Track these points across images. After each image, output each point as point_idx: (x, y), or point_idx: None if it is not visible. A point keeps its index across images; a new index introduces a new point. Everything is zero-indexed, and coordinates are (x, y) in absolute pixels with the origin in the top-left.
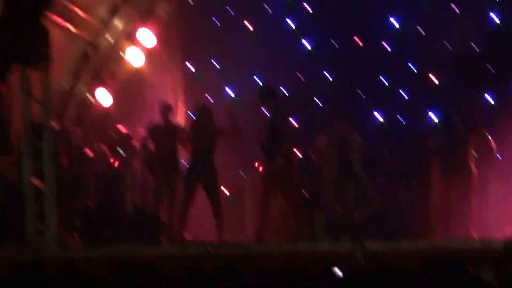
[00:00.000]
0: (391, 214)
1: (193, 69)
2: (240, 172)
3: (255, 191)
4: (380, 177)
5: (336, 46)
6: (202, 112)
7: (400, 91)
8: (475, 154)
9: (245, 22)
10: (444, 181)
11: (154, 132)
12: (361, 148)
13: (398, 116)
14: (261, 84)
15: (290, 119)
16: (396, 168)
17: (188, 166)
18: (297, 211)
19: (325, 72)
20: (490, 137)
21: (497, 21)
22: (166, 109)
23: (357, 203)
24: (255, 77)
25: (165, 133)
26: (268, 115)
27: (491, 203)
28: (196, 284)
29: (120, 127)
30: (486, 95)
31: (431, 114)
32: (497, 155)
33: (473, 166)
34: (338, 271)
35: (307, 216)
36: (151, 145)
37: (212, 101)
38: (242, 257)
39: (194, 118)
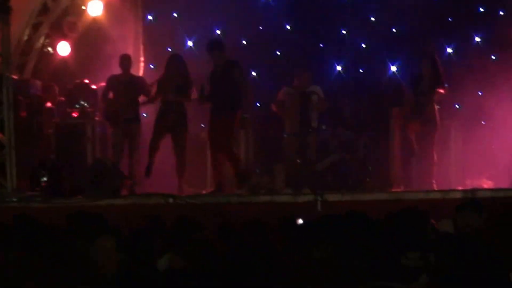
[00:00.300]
0: (351, 166)
1: (151, 19)
2: (202, 124)
3: None
4: (341, 128)
5: None
6: (173, 60)
7: (359, 41)
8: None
9: None
10: (407, 132)
11: (114, 83)
12: (322, 101)
13: (357, 66)
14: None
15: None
16: (356, 119)
17: (158, 113)
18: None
19: (283, 23)
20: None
21: None
22: (126, 61)
23: (317, 155)
24: (215, 28)
25: (125, 84)
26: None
27: (452, 154)
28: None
29: (80, 78)
30: (446, 46)
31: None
32: (456, 106)
33: (438, 117)
34: (299, 220)
35: (268, 168)
36: (110, 96)
37: (170, 51)
38: (201, 208)
39: (165, 67)
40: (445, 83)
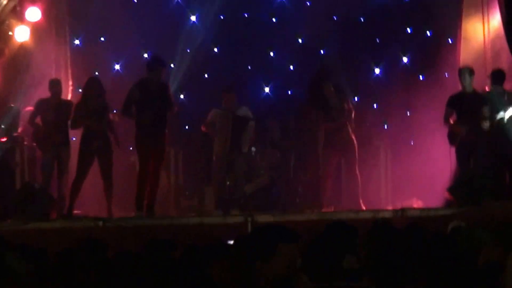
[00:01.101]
0: (281, 187)
1: (78, 43)
2: (131, 148)
3: None
4: (269, 150)
5: (222, 18)
6: (91, 84)
7: (287, 63)
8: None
9: None
10: (328, 154)
11: (42, 106)
12: (253, 123)
13: (285, 88)
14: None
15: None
16: (285, 140)
17: (81, 139)
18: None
19: (211, 46)
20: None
21: None
22: (56, 85)
23: (247, 177)
24: (142, 52)
25: (53, 107)
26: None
27: (382, 174)
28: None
29: (7, 103)
30: (374, 67)
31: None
32: (385, 125)
33: (353, 137)
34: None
35: (198, 190)
36: (38, 120)
37: (97, 75)
38: (131, 230)
39: (83, 90)
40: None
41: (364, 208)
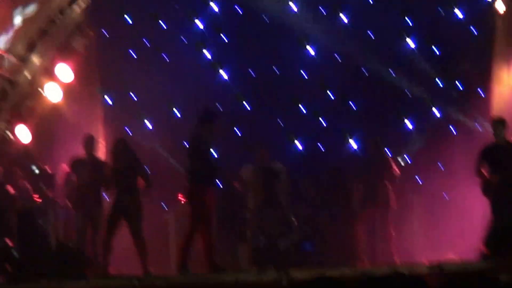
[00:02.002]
0: (315, 242)
1: (111, 102)
2: (163, 204)
3: (178, 223)
4: (303, 206)
5: (253, 75)
6: (118, 145)
7: (319, 118)
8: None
9: (162, 54)
10: (365, 209)
11: (77, 165)
12: (286, 178)
13: (317, 143)
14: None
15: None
16: (318, 197)
17: (114, 200)
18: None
19: (243, 102)
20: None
21: (412, 46)
22: (89, 142)
23: (281, 233)
24: (174, 108)
25: (87, 166)
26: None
27: (416, 229)
28: None
29: (41, 162)
30: (405, 120)
31: (351, 141)
32: (418, 180)
33: (391, 194)
34: None
35: (232, 248)
36: (73, 179)
37: (131, 134)
38: None
39: (111, 152)
40: (392, 165)
41: (397, 262)
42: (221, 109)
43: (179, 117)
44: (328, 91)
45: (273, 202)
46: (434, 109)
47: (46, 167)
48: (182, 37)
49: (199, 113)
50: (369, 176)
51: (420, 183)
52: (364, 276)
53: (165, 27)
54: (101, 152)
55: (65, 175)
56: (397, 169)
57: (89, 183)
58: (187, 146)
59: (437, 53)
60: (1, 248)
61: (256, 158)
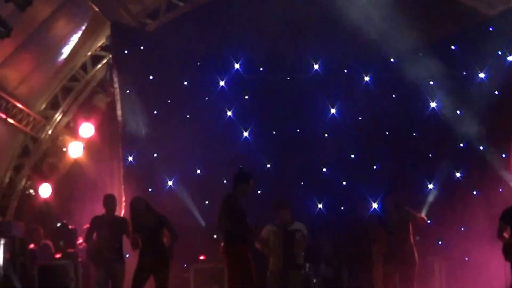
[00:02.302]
0: None
1: (131, 159)
2: (184, 264)
3: (198, 281)
4: (323, 265)
5: (274, 134)
6: (136, 204)
7: (340, 179)
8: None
9: (183, 111)
10: (388, 268)
11: (98, 223)
12: (305, 237)
13: (338, 203)
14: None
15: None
16: (338, 256)
17: (139, 255)
18: None
19: (264, 162)
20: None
21: (434, 105)
22: (110, 201)
23: None
24: (195, 168)
25: (108, 224)
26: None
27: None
28: None
29: (61, 219)
30: (427, 182)
31: (374, 205)
32: (439, 242)
33: (416, 255)
34: None
35: None
36: (94, 237)
37: (151, 192)
38: None
39: (130, 211)
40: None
41: None
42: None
43: (200, 175)
44: (350, 153)
45: (293, 262)
46: (456, 171)
47: (66, 223)
48: (205, 96)
49: (235, 174)
50: (393, 232)
51: (441, 245)
52: None
53: (188, 85)
54: (123, 210)
55: (86, 231)
56: (424, 217)
57: (109, 239)
58: (222, 208)
59: (459, 114)
60: None
61: (278, 219)
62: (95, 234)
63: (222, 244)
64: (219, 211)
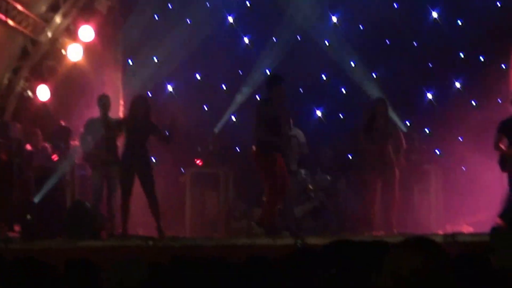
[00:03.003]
0: (331, 211)
1: (131, 63)
2: (181, 168)
3: (194, 186)
4: (320, 173)
5: (275, 40)
6: (137, 102)
7: (339, 86)
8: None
9: (184, 16)
10: (370, 178)
11: (92, 126)
12: (300, 145)
13: (337, 111)
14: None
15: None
16: (336, 164)
17: (122, 159)
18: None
19: (263, 68)
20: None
21: (435, 15)
22: (104, 100)
23: (297, 200)
24: (195, 73)
25: (102, 126)
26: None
27: (433, 199)
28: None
29: (60, 121)
30: (426, 92)
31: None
32: (436, 151)
33: (393, 161)
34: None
35: (248, 212)
36: (89, 140)
37: (151, 96)
38: (181, 250)
39: (129, 108)
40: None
41: (395, 231)
42: (242, 74)
43: (200, 81)
44: (350, 60)
45: (288, 168)
46: (455, 81)
47: (64, 126)
48: (206, 1)
49: (266, 78)
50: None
51: (438, 154)
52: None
53: None
54: (120, 112)
55: (81, 135)
56: (404, 142)
57: (104, 141)
58: (255, 115)
59: (460, 24)
60: (21, 205)
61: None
62: (89, 137)
63: (254, 150)
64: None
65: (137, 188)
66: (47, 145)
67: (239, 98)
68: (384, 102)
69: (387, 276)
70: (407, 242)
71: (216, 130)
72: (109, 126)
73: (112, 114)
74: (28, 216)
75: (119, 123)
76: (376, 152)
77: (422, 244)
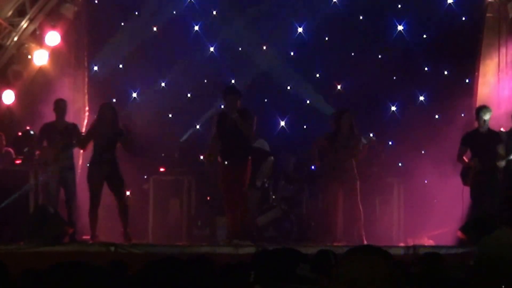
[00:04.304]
0: (294, 221)
1: (96, 69)
2: (144, 175)
3: (157, 193)
4: (283, 183)
5: (240, 50)
6: (105, 109)
7: (303, 97)
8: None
9: (150, 24)
10: (330, 186)
11: (48, 130)
12: (270, 158)
13: (300, 122)
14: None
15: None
16: (299, 174)
17: (90, 164)
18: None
19: (228, 76)
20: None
21: (400, 28)
22: (61, 105)
23: (259, 209)
24: (159, 80)
25: (59, 131)
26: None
27: (395, 211)
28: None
29: (24, 126)
30: (390, 104)
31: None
32: (399, 164)
33: (355, 171)
34: None
35: (210, 220)
36: (45, 144)
37: (115, 102)
38: (142, 257)
39: (98, 114)
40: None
41: (365, 242)
42: (207, 82)
43: (165, 89)
44: (315, 72)
45: (253, 180)
46: (419, 95)
47: (29, 129)
48: (173, 9)
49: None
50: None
51: (401, 167)
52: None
53: None
54: (85, 119)
55: (37, 139)
56: (361, 149)
57: (60, 146)
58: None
59: (425, 37)
60: None
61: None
62: (45, 141)
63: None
64: None
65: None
66: (10, 150)
67: (203, 106)
68: (349, 113)
69: (336, 284)
70: (354, 251)
71: (182, 138)
72: (65, 131)
73: (76, 120)
74: None
75: (76, 128)
76: (336, 161)
77: (369, 252)
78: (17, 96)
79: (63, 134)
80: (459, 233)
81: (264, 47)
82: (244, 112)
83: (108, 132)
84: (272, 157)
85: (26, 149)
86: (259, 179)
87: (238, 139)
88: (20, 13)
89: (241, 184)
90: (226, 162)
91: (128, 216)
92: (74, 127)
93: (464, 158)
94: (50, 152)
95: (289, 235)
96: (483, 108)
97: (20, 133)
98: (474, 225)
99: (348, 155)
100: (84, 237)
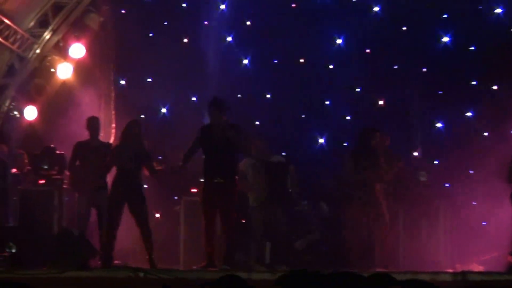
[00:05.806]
0: (333, 245)
1: (123, 83)
2: (174, 197)
3: (189, 215)
4: (322, 204)
5: (276, 62)
6: (130, 127)
7: (343, 113)
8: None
9: (180, 34)
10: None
11: (81, 150)
12: (291, 166)
13: (340, 139)
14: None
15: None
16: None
17: (112, 186)
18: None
19: (263, 91)
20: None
21: (446, 40)
22: (94, 123)
23: (297, 232)
24: (191, 94)
25: (92, 151)
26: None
27: (441, 236)
28: None
29: (47, 143)
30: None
31: None
32: (446, 184)
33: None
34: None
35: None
36: (77, 164)
37: (143, 117)
38: (172, 282)
39: (123, 132)
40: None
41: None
42: (241, 97)
43: (197, 104)
44: (355, 86)
45: (278, 198)
46: (467, 111)
47: (53, 147)
48: (204, 19)
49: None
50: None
51: (448, 187)
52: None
53: (186, 8)
54: (112, 136)
55: (69, 159)
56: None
57: (93, 166)
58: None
59: (472, 49)
60: (4, 228)
61: (255, 151)
62: (78, 161)
63: None
64: None
65: (128, 215)
66: (32, 166)
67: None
68: (376, 135)
69: None
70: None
71: None
72: (98, 150)
73: (102, 137)
74: (11, 244)
75: (109, 147)
76: (361, 183)
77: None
78: (39, 111)
79: (96, 153)
80: (510, 258)
81: (302, 60)
82: (236, 128)
83: (133, 152)
84: (293, 165)
85: (45, 167)
86: (294, 188)
87: (227, 156)
88: (43, 23)
89: (228, 204)
90: (213, 180)
91: (152, 241)
92: (108, 146)
93: None
94: (83, 171)
95: (327, 259)
96: None
97: (38, 152)
98: None
99: (375, 178)
100: (116, 262)
